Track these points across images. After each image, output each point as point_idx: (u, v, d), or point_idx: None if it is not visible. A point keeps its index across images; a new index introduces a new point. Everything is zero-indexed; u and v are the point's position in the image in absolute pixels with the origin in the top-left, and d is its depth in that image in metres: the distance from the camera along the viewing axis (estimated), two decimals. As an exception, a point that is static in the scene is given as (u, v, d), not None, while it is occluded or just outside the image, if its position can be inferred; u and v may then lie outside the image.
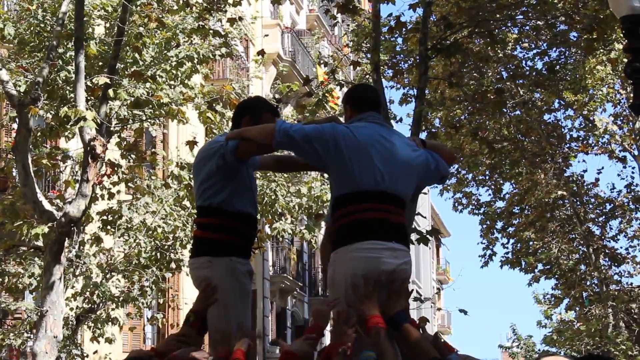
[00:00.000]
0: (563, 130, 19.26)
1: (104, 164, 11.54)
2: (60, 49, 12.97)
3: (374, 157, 4.30)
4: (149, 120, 14.08)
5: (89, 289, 15.41)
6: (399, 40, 13.90)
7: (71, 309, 15.55)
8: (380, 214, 4.29)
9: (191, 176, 14.25)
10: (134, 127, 14.06)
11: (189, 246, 15.88)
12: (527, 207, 20.05)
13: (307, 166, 4.96)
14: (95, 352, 16.59)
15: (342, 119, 4.71)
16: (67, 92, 13.23)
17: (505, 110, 15.54)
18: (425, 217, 12.86)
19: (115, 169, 12.72)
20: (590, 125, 19.35)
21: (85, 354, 16.23)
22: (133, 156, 13.35)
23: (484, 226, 20.80)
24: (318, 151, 4.31)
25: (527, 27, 14.16)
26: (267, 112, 4.68)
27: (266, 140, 4.34)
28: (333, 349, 4.08)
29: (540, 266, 20.99)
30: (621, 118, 19.67)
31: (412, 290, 4.63)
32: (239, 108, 4.78)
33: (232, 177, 4.52)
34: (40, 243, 12.59)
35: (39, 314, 11.11)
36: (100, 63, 13.70)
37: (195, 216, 4.82)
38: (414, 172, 4.44)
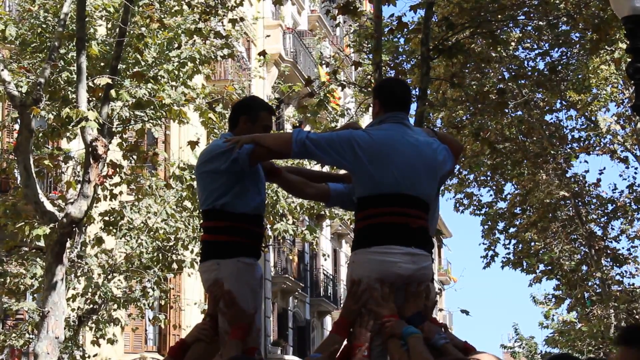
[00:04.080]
0: (565, 130, 19.26)
1: (105, 164, 11.53)
2: (62, 49, 12.96)
3: (394, 160, 4.27)
4: (151, 121, 14.08)
5: (90, 290, 15.40)
6: (401, 40, 13.90)
7: (73, 310, 15.52)
8: (399, 219, 4.26)
9: (193, 177, 14.27)
10: (135, 128, 14.06)
11: (190, 247, 15.88)
12: (528, 208, 20.01)
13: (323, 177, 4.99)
14: (95, 355, 16.55)
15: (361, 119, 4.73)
16: (69, 92, 13.22)
17: (507, 111, 15.52)
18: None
19: (117, 169, 12.71)
20: (592, 125, 19.33)
21: (87, 355, 16.21)
22: (135, 157, 13.34)
23: (486, 227, 20.78)
24: (336, 158, 4.33)
25: (529, 28, 14.16)
26: (263, 110, 4.68)
27: (283, 150, 4.39)
28: (351, 350, 4.18)
29: (542, 267, 20.96)
30: (623, 118, 19.64)
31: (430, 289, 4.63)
32: (235, 108, 4.78)
33: (239, 179, 4.51)
34: (41, 244, 12.60)
35: (40, 314, 11.10)
36: (102, 64, 13.69)
37: (200, 219, 4.82)
38: (436, 171, 4.41)
